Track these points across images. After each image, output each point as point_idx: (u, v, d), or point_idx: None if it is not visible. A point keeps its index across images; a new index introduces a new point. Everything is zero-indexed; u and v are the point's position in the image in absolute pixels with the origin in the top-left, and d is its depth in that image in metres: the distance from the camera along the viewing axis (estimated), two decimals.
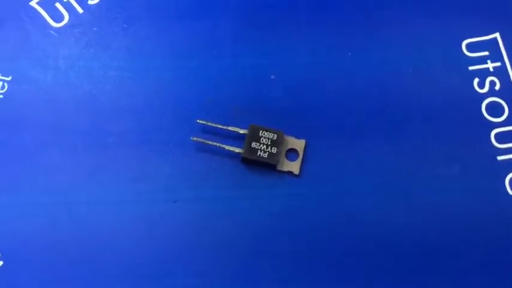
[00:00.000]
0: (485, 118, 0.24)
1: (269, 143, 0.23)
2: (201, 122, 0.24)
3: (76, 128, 0.24)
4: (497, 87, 0.25)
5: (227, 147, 0.23)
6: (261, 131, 0.23)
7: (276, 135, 0.23)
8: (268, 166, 0.23)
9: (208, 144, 0.23)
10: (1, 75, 0.24)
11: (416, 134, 0.24)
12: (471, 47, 0.25)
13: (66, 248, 0.22)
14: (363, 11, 0.26)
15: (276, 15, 0.26)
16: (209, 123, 0.24)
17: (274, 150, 0.23)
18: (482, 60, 0.25)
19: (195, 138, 0.23)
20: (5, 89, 0.24)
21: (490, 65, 0.25)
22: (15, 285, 0.22)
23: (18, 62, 0.24)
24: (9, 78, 0.24)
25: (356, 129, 0.24)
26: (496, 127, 0.24)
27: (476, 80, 0.25)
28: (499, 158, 0.24)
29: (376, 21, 0.26)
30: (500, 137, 0.24)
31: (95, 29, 0.25)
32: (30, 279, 0.22)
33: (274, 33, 0.25)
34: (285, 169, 0.23)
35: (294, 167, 0.23)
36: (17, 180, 0.23)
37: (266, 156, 0.23)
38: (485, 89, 0.25)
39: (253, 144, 0.23)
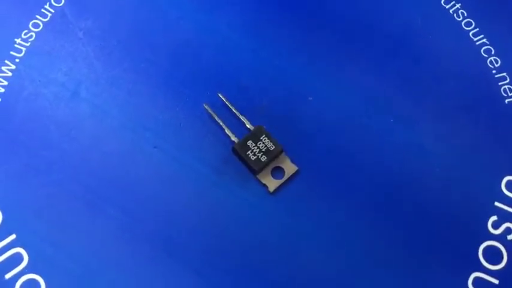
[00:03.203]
0: None
1: (263, 150, 0.23)
2: (221, 97, 0.24)
3: None
4: None
5: (227, 131, 0.23)
6: (263, 135, 0.23)
7: (274, 147, 0.23)
8: (251, 170, 0.23)
9: (214, 118, 0.24)
10: None
11: None
12: None
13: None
14: None
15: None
16: (227, 102, 0.24)
17: (263, 158, 0.23)
18: None
19: (206, 106, 0.24)
20: None
21: None
22: None
23: None
24: None
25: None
26: None
27: None
28: None
29: None
30: None
31: None
32: None
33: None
34: (263, 181, 0.23)
35: (272, 184, 0.23)
36: None
37: (253, 159, 0.23)
38: None
39: (249, 143, 0.23)
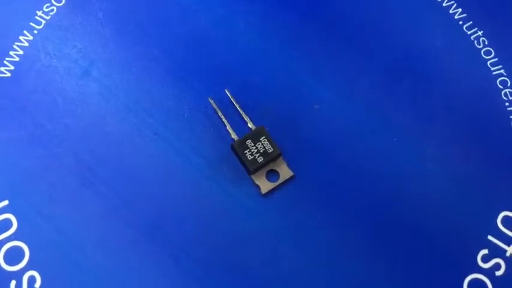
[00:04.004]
0: None
1: (261, 151, 0.23)
2: (227, 93, 0.24)
3: None
4: None
5: (228, 127, 0.23)
6: (263, 137, 0.23)
7: (272, 150, 0.23)
8: (246, 169, 0.23)
9: (218, 113, 0.24)
10: None
11: None
12: None
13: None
14: None
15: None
16: (232, 99, 0.24)
17: (260, 159, 0.23)
18: None
19: (211, 100, 0.24)
20: None
21: None
22: None
23: None
24: None
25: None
26: None
27: None
28: None
29: None
30: None
31: None
32: None
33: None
34: (256, 182, 0.23)
35: (265, 186, 0.23)
36: None
37: (249, 159, 0.23)
38: None
39: (248, 142, 0.23)
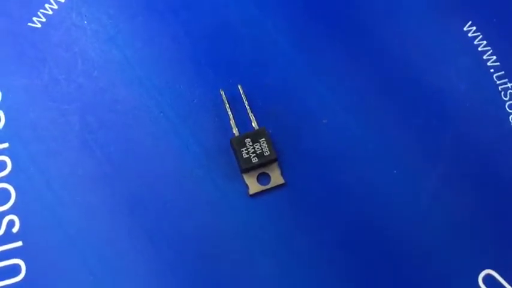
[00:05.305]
0: None
1: (258, 152, 0.23)
2: (240, 88, 0.24)
3: None
4: None
5: (232, 122, 0.23)
6: (263, 138, 0.23)
7: (269, 153, 0.23)
8: (239, 166, 0.23)
9: (225, 106, 0.24)
10: None
11: None
12: None
13: None
14: None
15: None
16: (243, 95, 0.24)
17: (254, 159, 0.23)
18: None
19: (222, 92, 0.24)
20: None
21: None
22: None
23: None
24: None
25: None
26: None
27: None
28: None
29: None
30: None
31: None
32: None
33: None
34: (246, 181, 0.23)
35: (253, 187, 0.23)
36: None
37: (244, 157, 0.23)
38: None
39: (247, 141, 0.23)
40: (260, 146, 0.23)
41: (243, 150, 0.23)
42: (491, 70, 0.25)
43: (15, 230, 0.22)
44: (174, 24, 0.25)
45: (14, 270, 0.21)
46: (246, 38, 0.25)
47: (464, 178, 0.23)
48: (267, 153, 0.23)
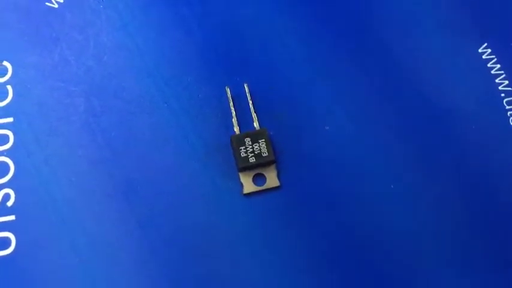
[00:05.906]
0: None
1: (256, 152, 0.23)
2: (246, 87, 0.24)
3: None
4: None
5: (234, 120, 0.24)
6: (263, 139, 0.23)
7: (267, 155, 0.23)
8: (236, 165, 0.23)
9: (229, 103, 0.24)
10: None
11: None
12: None
13: None
14: None
15: None
16: (248, 94, 0.24)
17: (252, 159, 0.23)
18: None
19: (227, 89, 0.24)
20: None
21: None
22: None
23: None
24: None
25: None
26: None
27: None
28: None
29: None
30: None
31: None
32: None
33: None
34: (241, 180, 0.23)
35: (248, 187, 0.23)
36: None
37: (242, 155, 0.23)
38: None
39: (247, 140, 0.23)
40: (259, 146, 0.23)
41: (241, 149, 0.23)
42: (502, 95, 0.25)
43: (9, 203, 0.22)
44: (187, 18, 0.26)
45: (4, 243, 0.22)
46: (257, 38, 0.25)
47: (462, 201, 0.23)
48: (265, 154, 0.23)
